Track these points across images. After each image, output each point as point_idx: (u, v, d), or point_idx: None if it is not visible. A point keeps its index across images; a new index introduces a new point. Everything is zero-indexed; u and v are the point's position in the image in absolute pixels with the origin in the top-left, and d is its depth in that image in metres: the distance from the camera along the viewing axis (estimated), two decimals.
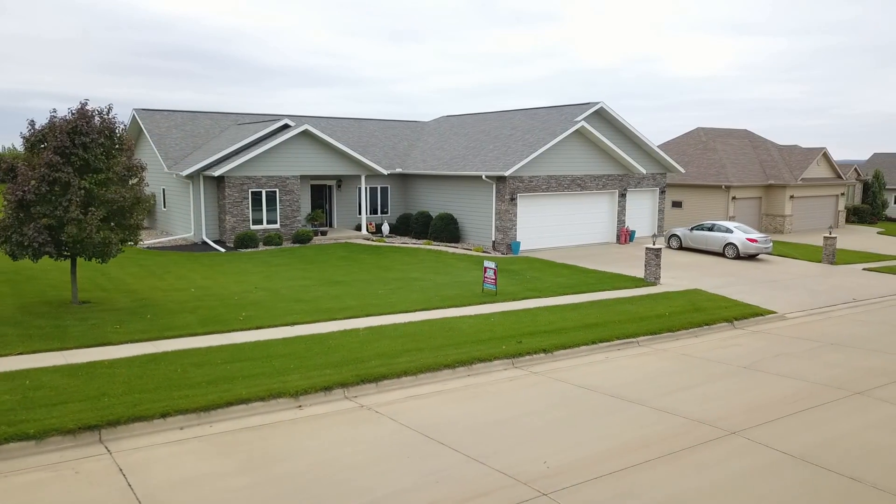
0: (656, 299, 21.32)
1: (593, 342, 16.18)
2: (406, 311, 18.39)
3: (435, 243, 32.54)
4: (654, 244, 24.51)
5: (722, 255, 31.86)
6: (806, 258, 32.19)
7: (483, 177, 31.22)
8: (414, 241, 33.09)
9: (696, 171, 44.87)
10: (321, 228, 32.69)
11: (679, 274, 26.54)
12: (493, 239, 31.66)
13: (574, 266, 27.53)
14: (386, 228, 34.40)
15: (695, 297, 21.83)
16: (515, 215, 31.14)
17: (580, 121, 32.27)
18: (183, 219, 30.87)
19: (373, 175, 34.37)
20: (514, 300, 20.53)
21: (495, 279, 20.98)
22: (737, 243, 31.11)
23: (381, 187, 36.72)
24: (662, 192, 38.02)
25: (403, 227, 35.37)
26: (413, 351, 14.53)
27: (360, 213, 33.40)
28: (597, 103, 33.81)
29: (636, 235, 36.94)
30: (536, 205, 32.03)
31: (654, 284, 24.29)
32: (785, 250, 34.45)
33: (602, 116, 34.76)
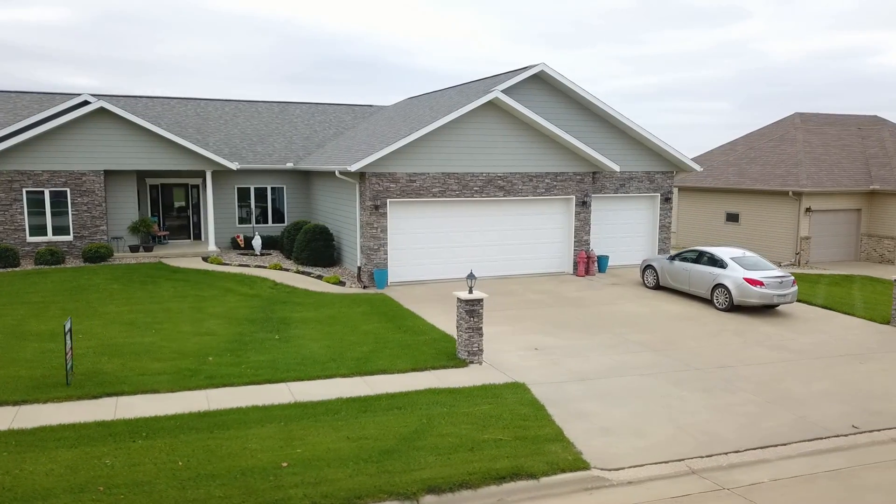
0: (346, 419, 10.69)
1: None
2: None
3: (289, 266, 23.16)
4: (470, 290, 13.59)
5: (710, 301, 19.63)
6: (868, 315, 19.10)
7: (336, 173, 21.42)
8: (261, 262, 23.90)
9: (760, 172, 31.53)
10: (146, 244, 24.50)
11: (566, 340, 15.35)
12: (359, 264, 21.73)
13: (415, 317, 17.16)
14: (258, 243, 25.54)
15: (446, 417, 10.92)
16: (384, 231, 21.00)
17: (497, 91, 21.40)
18: None
19: (247, 173, 25.72)
20: (80, 397, 10.93)
21: (71, 351, 11.44)
22: (729, 285, 18.77)
23: (274, 188, 27.90)
24: (667, 201, 25.72)
25: (285, 241, 26.30)
26: None
27: (206, 223, 24.74)
28: (535, 65, 22.65)
29: (610, 263, 25.07)
30: (423, 216, 21.64)
31: (463, 364, 13.42)
32: (844, 297, 21.28)
33: (553, 87, 23.49)
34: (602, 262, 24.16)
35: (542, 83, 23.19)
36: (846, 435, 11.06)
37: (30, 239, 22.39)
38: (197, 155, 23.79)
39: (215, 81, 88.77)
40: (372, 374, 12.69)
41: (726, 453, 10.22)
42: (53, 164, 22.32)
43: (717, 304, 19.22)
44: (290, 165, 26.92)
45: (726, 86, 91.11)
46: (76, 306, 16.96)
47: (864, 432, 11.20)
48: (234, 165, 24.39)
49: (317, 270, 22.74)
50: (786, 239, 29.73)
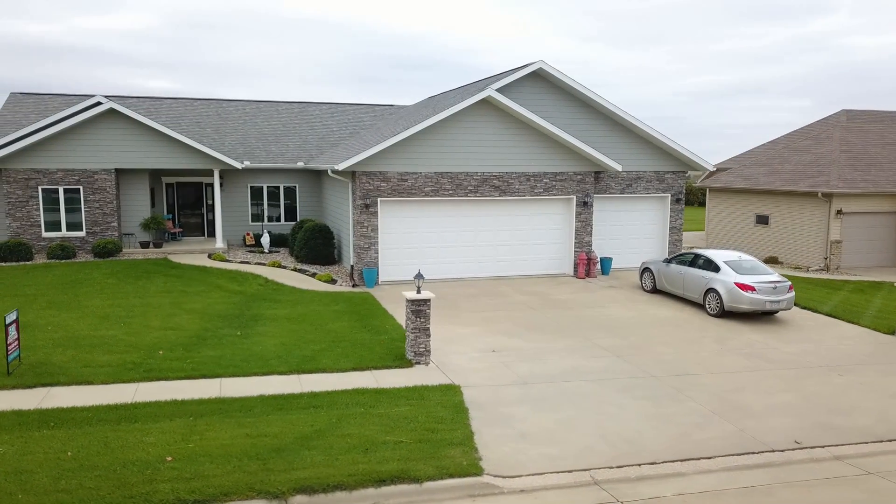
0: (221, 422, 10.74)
1: None
2: None
3: (288, 264, 23.50)
4: (418, 291, 13.48)
5: (703, 306, 18.89)
6: (873, 324, 18.05)
7: (329, 172, 21.63)
8: (263, 260, 24.29)
9: (791, 172, 30.17)
10: (158, 240, 25.28)
11: (531, 342, 15.08)
12: (351, 263, 21.88)
13: (386, 317, 17.21)
14: (266, 241, 26.02)
15: (359, 417, 10.86)
16: (374, 230, 21.06)
17: (490, 89, 21.17)
18: None
19: (271, 171, 26.26)
20: (14, 386, 11.36)
21: (17, 342, 11.92)
22: (720, 290, 18.02)
23: (286, 187, 28.36)
24: (678, 201, 24.86)
25: (290, 240, 26.71)
26: None
27: (214, 220, 25.38)
28: (533, 62, 22.29)
29: (617, 265, 24.43)
30: (416, 216, 21.60)
31: (408, 365, 13.33)
32: (859, 305, 20.18)
33: (555, 85, 23.04)
34: (605, 264, 23.55)
35: (544, 81, 22.79)
36: (783, 450, 10.42)
37: (45, 234, 23.43)
38: (203, 154, 24.40)
39: (290, 84, 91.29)
40: (311, 372, 12.71)
41: (640, 465, 9.77)
42: (67, 162, 23.30)
43: (708, 310, 18.47)
44: (300, 164, 27.28)
45: (805, 82, 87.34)
46: (63, 299, 17.64)
47: (805, 448, 10.53)
48: (239, 164, 24.89)
49: (313, 268, 22.97)
50: (815, 243, 28.31)
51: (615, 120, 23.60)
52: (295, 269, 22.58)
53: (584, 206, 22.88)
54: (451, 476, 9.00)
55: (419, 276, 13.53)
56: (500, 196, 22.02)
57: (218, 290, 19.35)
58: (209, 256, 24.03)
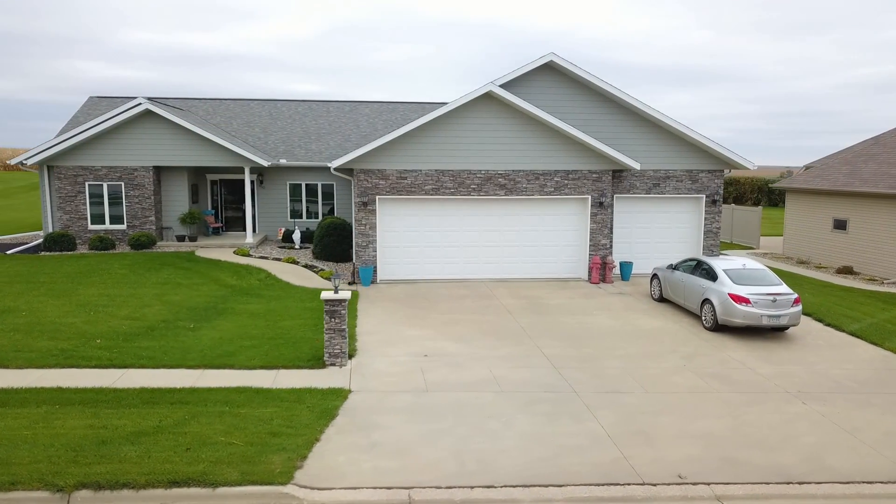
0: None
1: None
2: None
3: (301, 259, 23.91)
4: (335, 291, 13.25)
5: (700, 318, 17.29)
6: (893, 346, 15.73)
7: (332, 170, 21.78)
8: (280, 255, 24.83)
9: (874, 171, 26.96)
10: (193, 234, 26.54)
11: (474, 348, 14.51)
12: (353, 261, 21.94)
13: (348, 315, 17.09)
14: (297, 237, 26.67)
15: (213, 415, 10.76)
16: (373, 228, 21.01)
17: (493, 84, 20.49)
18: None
19: (299, 169, 26.96)
20: None
21: None
22: (714, 301, 16.37)
23: (324, 184, 28.88)
24: (714, 202, 22.84)
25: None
26: None
27: (246, 217, 26.32)
28: (544, 56, 21.30)
29: (643, 270, 22.82)
30: (416, 214, 21.28)
31: (321, 366, 13.15)
32: None
33: (570, 78, 21.88)
34: (625, 268, 22.06)
35: (558, 75, 21.71)
36: (655, 484, 9.23)
37: (91, 227, 25.26)
38: (233, 152, 25.30)
39: (426, 84, 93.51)
40: (218, 367, 12.78)
41: (472, 487, 8.99)
42: (110, 160, 24.98)
43: (704, 322, 16.82)
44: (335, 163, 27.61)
45: None
46: (64, 287, 18.89)
47: (685, 484, 9.27)
48: (265, 162, 25.59)
49: (324, 265, 23.19)
50: (894, 252, 25.05)
51: (640, 115, 22.04)
52: (305, 266, 22.89)
53: (601, 206, 21.53)
54: (253, 483, 8.68)
55: (336, 276, 13.26)
56: (505, 195, 21.20)
57: (213, 283, 19.97)
58: (234, 251, 24.88)
